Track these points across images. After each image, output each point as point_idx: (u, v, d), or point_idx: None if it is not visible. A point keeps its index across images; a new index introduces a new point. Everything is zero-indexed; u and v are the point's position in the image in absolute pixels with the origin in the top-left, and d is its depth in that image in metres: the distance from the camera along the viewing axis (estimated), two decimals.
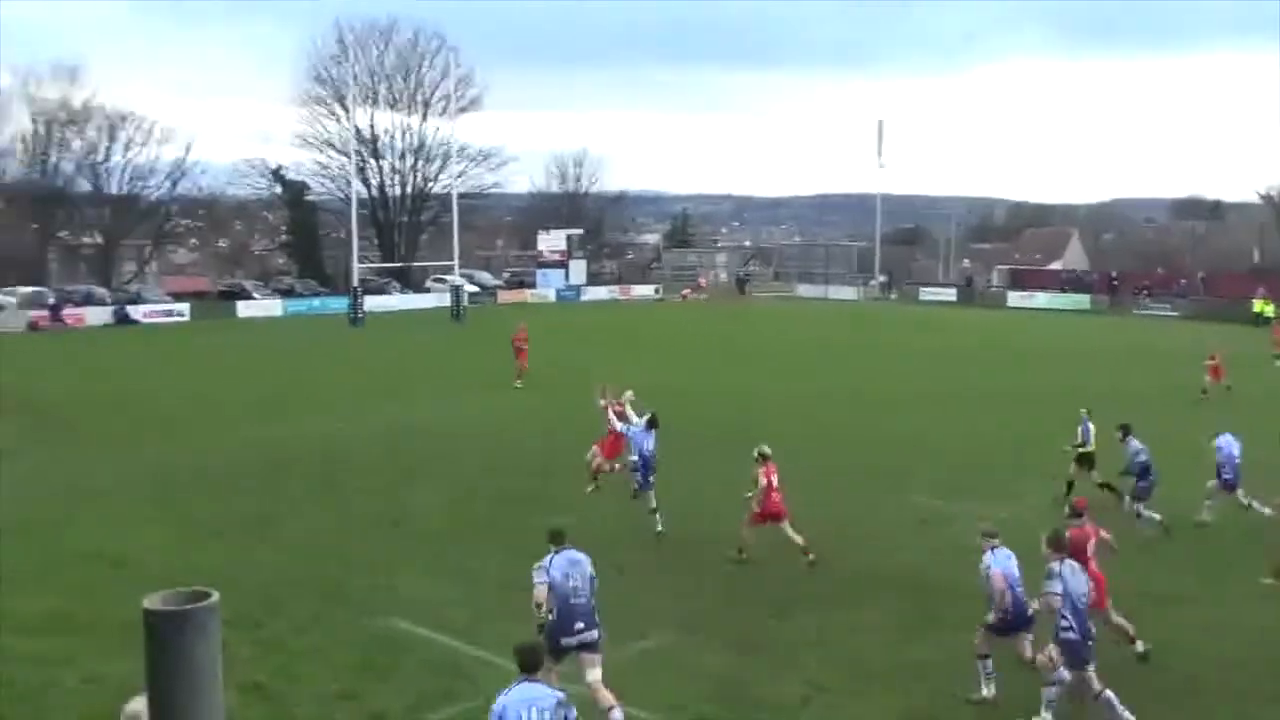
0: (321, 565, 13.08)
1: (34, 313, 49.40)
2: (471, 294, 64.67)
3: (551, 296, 70.68)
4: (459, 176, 69.78)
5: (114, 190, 68.23)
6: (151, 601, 3.99)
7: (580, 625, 8.64)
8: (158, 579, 9.29)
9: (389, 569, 12.97)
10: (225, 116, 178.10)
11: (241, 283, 67.10)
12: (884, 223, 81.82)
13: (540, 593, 8.58)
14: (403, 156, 76.41)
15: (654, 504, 14.06)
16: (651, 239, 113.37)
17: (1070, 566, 8.99)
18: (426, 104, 75.86)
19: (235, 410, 25.41)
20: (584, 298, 71.72)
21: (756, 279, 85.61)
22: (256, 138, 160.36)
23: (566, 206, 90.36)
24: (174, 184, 69.85)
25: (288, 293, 64.72)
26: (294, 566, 13.11)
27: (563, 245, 72.89)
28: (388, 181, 76.87)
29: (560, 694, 6.89)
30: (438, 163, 76.76)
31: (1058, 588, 8.78)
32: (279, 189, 74.98)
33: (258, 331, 48.06)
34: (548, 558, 8.79)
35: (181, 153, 72.39)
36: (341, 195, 74.45)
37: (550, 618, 8.57)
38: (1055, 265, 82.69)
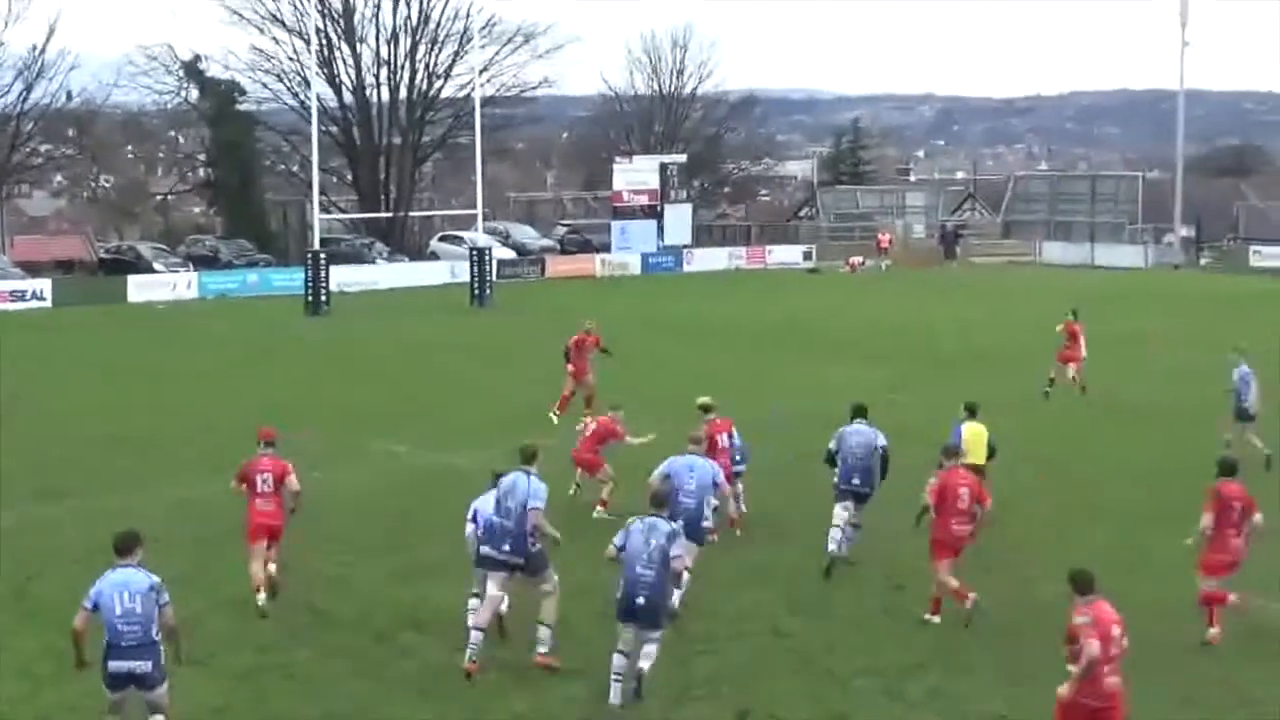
0: None
1: None
2: (504, 262, 65.13)
3: (635, 265, 71.04)
4: (485, 70, 70.40)
5: None
6: None
7: (506, 546, 14.46)
8: None
9: None
10: None
11: (135, 246, 68.25)
12: (1190, 139, 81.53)
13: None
14: (394, 39, 77.53)
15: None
16: (800, 170, 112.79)
17: None
18: None
19: (93, 472, 25.50)
20: (690, 267, 72.15)
21: (973, 234, 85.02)
22: (159, 13, 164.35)
23: (661, 119, 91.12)
24: (27, 89, 71.37)
25: (208, 262, 65.69)
26: None
27: (653, 182, 73.14)
28: (369, 80, 77.88)
29: (153, 579, 11.66)
30: (450, 48, 77.81)
31: None
32: (195, 94, 76.38)
33: (157, 326, 48.54)
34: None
35: (40, 39, 73.90)
36: (295, 103, 75.33)
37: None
38: None
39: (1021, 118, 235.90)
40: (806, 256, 76.71)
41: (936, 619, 16.05)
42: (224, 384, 34.61)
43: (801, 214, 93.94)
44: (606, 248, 72.69)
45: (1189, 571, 15.67)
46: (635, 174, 73.53)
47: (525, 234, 76.94)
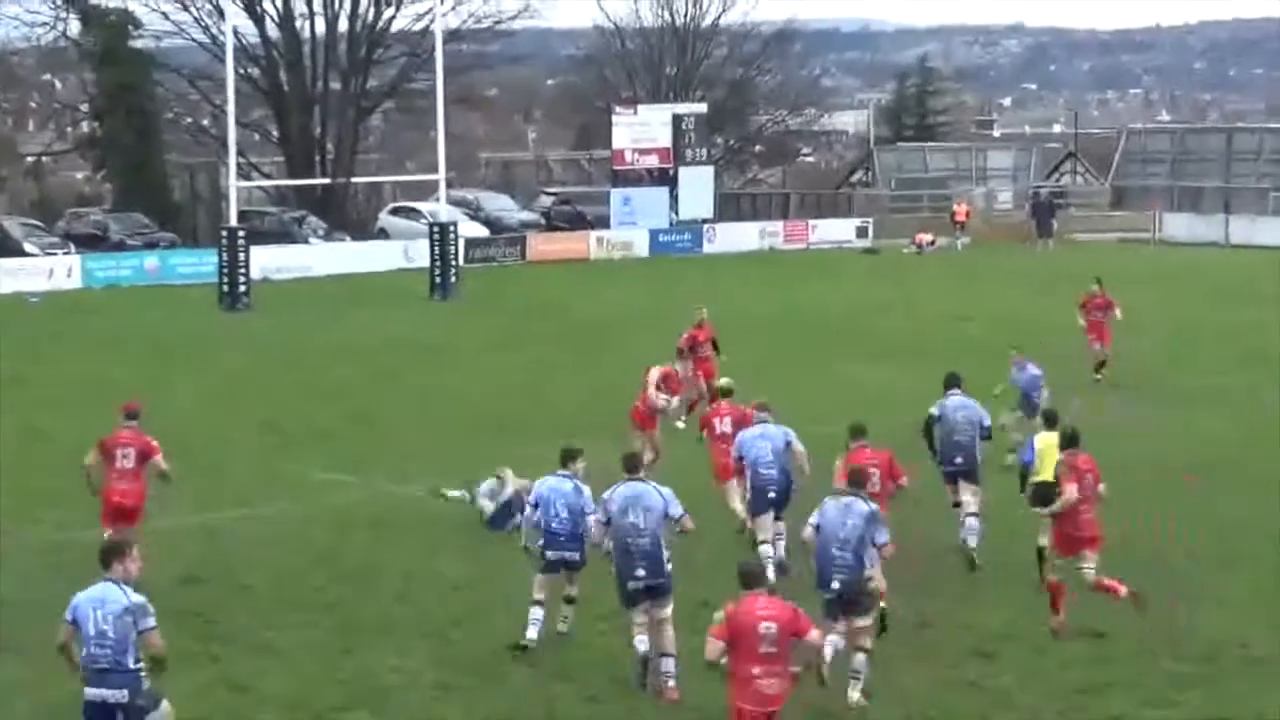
0: None
1: None
2: (472, 241, 65.17)
3: (641, 245, 71.29)
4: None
5: None
6: None
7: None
8: None
9: None
10: None
11: (0, 222, 68.15)
12: None
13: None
14: None
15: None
16: (853, 123, 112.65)
17: None
18: None
19: None
20: (711, 246, 72.39)
21: (1075, 204, 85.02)
22: None
23: (674, 59, 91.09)
24: None
25: (95, 242, 65.61)
26: None
27: (665, 139, 73.10)
28: (300, 9, 77.79)
29: (132, 599, 12.61)
30: None
31: None
32: (76, 27, 76.35)
33: (29, 324, 48.09)
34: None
35: None
36: (205, 39, 75.17)
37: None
38: None
39: (1137, 55, 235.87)
40: (861, 233, 76.67)
41: None
42: (115, 398, 34.23)
43: (855, 179, 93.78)
44: (605, 222, 72.78)
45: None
46: (641, 129, 73.27)
47: (500, 205, 76.85)
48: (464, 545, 22.55)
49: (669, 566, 16.60)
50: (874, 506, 16.53)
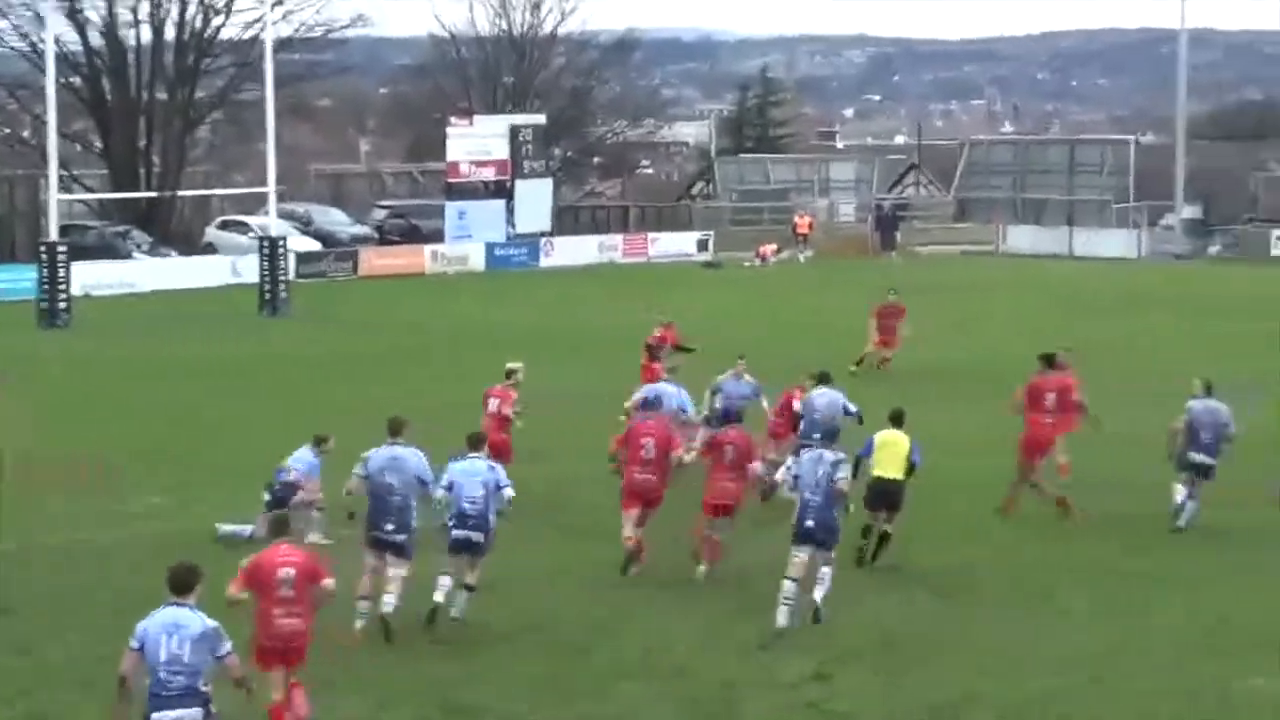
0: None
1: None
2: (304, 256, 64.98)
3: (477, 259, 71.49)
4: (279, 3, 70.19)
5: None
6: None
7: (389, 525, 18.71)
8: None
9: None
10: None
11: None
12: (1196, 93, 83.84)
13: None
14: None
15: None
16: (693, 135, 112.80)
17: None
18: None
19: None
20: (549, 260, 72.82)
21: (918, 216, 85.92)
22: None
23: (511, 68, 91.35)
24: None
25: None
26: None
27: (501, 151, 73.56)
28: (124, 15, 76.83)
29: (211, 624, 12.90)
30: None
31: None
32: None
33: None
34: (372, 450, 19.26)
35: None
36: (24, 46, 74.06)
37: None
38: None
39: (980, 65, 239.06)
40: (702, 246, 77.38)
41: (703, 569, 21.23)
42: None
43: (695, 191, 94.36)
44: (440, 236, 72.85)
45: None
46: (477, 140, 73.77)
47: (332, 219, 76.54)
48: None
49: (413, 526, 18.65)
50: (841, 454, 20.28)
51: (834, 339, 44.23)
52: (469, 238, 72.03)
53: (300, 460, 23.58)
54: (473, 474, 19.00)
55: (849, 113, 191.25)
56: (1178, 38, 78.92)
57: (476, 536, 18.87)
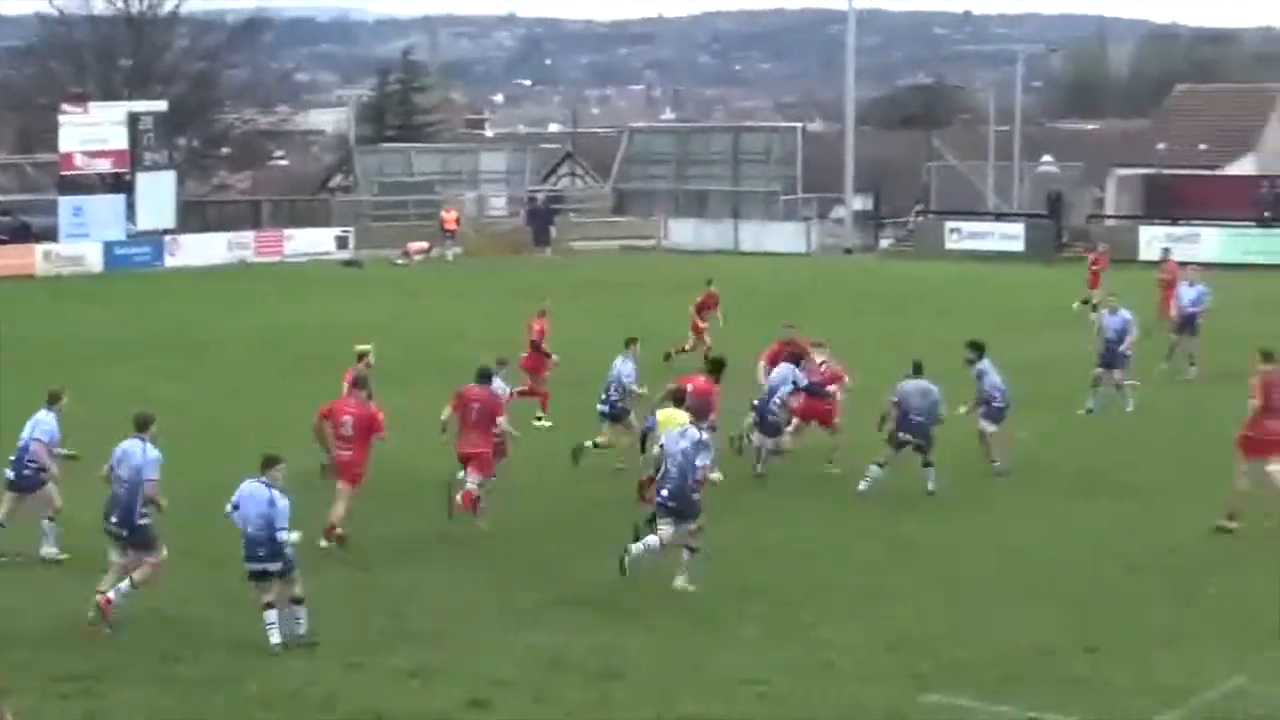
0: None
1: None
2: None
3: (94, 259, 70.02)
4: None
5: None
6: None
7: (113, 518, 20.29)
8: None
9: None
10: None
11: None
12: (865, 77, 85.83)
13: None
14: None
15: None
16: (331, 122, 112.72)
17: None
18: None
19: None
20: (174, 260, 71.78)
21: (574, 209, 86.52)
22: None
23: (130, 50, 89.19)
24: None
25: None
26: None
27: (120, 140, 72.38)
28: None
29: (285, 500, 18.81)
30: None
31: None
32: None
33: None
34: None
35: None
36: None
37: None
38: (1241, 168, 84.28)
39: (637, 48, 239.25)
40: (342, 243, 76.99)
41: None
42: None
43: (334, 184, 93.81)
44: (53, 234, 70.96)
45: None
46: (93, 129, 72.94)
47: None
48: None
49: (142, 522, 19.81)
50: (704, 435, 21.76)
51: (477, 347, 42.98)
52: (86, 236, 70.92)
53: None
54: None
55: (499, 99, 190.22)
56: (845, 19, 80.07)
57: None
